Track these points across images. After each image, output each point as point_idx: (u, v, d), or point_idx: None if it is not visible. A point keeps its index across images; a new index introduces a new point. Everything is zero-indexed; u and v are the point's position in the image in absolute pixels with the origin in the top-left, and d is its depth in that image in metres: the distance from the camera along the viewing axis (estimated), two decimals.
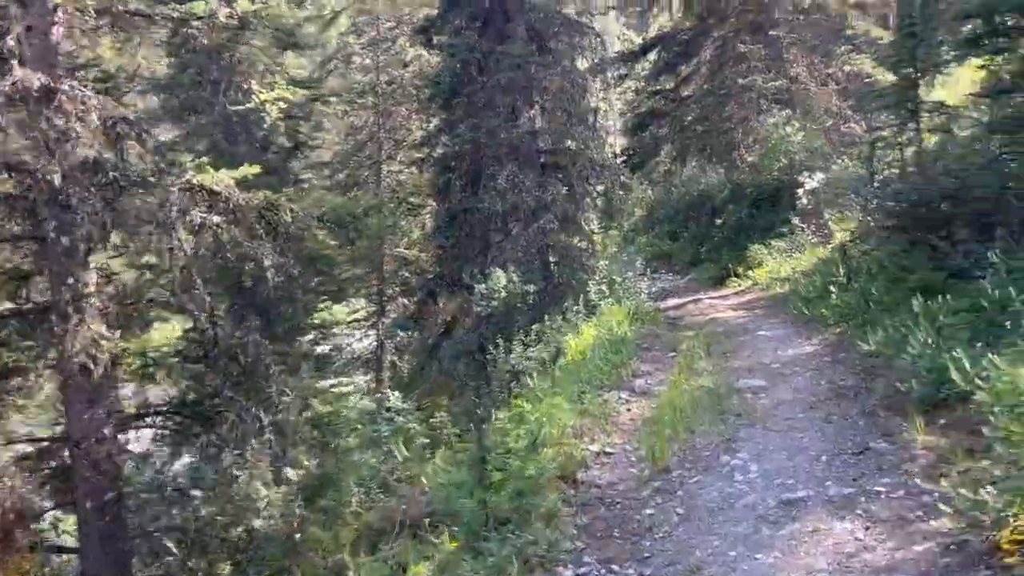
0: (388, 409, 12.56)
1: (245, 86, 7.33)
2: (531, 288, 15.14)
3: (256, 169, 7.73)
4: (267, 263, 7.45)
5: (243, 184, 7.76)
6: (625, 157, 21.89)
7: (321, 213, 8.59)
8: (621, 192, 40.11)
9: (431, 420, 11.92)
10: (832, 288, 11.12)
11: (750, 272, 19.63)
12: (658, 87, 21.58)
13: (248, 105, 7.83)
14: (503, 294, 14.87)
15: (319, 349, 24.80)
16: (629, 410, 9.08)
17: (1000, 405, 5.47)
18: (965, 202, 10.06)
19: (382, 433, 11.90)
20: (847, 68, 20.09)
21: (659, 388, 9.60)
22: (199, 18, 7.07)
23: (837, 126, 18.32)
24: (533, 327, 14.22)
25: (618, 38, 35.42)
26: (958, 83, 19.79)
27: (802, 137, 14.62)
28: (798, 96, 18.36)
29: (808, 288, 13.60)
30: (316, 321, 19.81)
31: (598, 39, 17.73)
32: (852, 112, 19.59)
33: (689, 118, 19.36)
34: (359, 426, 12.40)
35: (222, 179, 7.33)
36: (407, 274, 23.53)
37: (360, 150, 24.40)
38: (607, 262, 18.99)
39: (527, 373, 11.43)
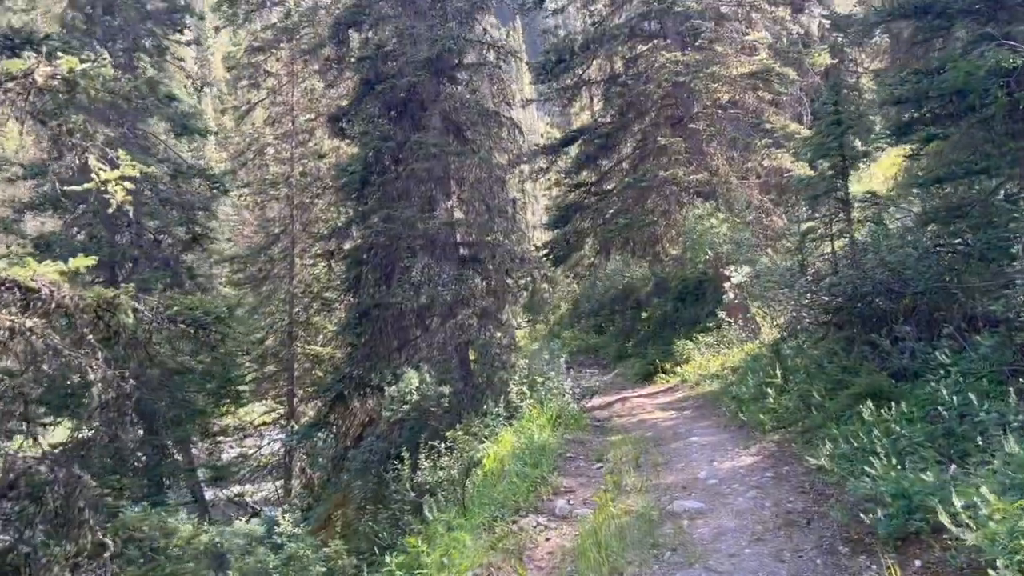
0: (279, 534, 10.84)
1: (78, 162, 6.01)
2: (446, 390, 13.76)
3: (90, 261, 6.32)
4: (93, 376, 5.95)
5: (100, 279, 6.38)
6: (548, 250, 20.96)
7: (174, 313, 7.11)
8: (544, 285, 39.44)
9: (327, 548, 10.27)
10: (768, 390, 10.06)
11: (677, 368, 18.64)
12: (580, 180, 20.94)
13: (87, 185, 6.43)
14: (415, 397, 13.44)
15: (227, 455, 22.78)
16: (548, 539, 7.68)
17: (1000, 552, 4.31)
18: (903, 296, 9.24)
19: (269, 564, 10.16)
20: (766, 163, 19.77)
21: (583, 511, 8.23)
22: (12, 78, 5.77)
23: (759, 219, 17.77)
24: (447, 434, 12.81)
25: (541, 136, 35.22)
26: (872, 177, 19.62)
27: (726, 229, 13.90)
28: (720, 189, 17.81)
29: (740, 388, 12.56)
30: (217, 427, 17.94)
31: (516, 130, 16.95)
32: (774, 205, 19.17)
33: (611, 211, 18.64)
34: (243, 555, 10.61)
35: (42, 272, 5.89)
36: (320, 374, 21.90)
37: (274, 243, 22.96)
38: (528, 360, 17.75)
39: (435, 491, 9.96)
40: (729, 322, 17.94)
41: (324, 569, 10.06)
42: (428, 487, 10.25)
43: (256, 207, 24.43)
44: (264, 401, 23.26)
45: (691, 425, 12.49)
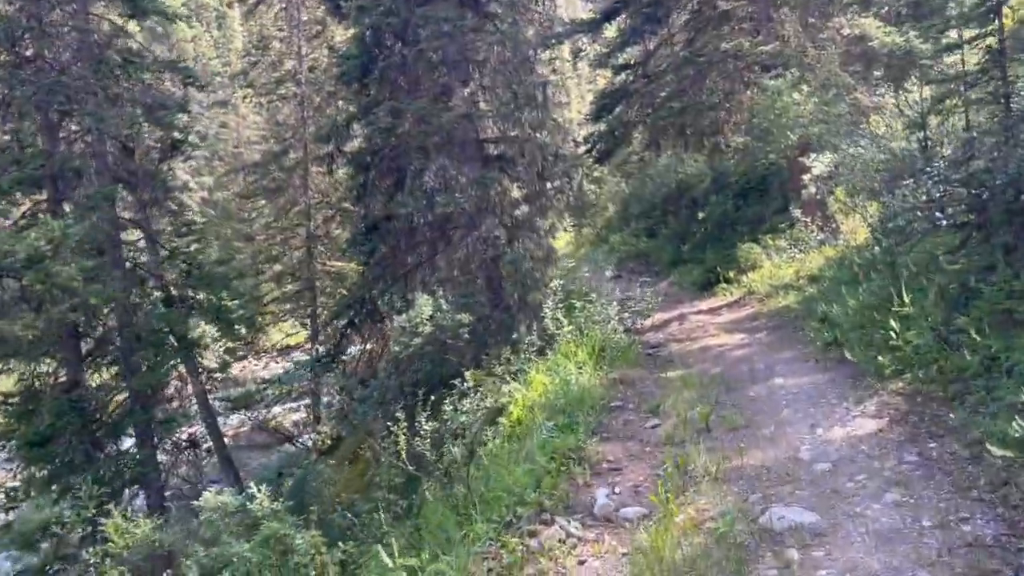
0: (246, 510, 8.46)
1: None
2: (466, 318, 11.07)
3: None
4: None
5: None
6: (590, 146, 17.75)
7: None
8: (588, 186, 36.23)
9: (307, 532, 7.85)
10: (892, 323, 7.03)
11: (743, 277, 15.63)
12: (625, 61, 17.49)
13: None
14: (427, 328, 10.79)
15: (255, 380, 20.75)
16: (582, 562, 5.03)
17: None
18: None
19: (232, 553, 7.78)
20: (845, 31, 16.07)
21: (632, 510, 5.54)
22: None
23: (842, 96, 14.29)
24: (467, 373, 10.21)
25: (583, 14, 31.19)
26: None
27: (813, 105, 10.59)
28: (793, 62, 14.29)
29: (831, 307, 9.58)
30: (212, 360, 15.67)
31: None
32: (858, 81, 15.55)
33: (662, 95, 15.30)
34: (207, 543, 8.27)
35: None
36: (344, 291, 19.41)
37: (287, 150, 20.14)
38: (568, 274, 14.91)
39: (433, 473, 7.43)
40: (805, 222, 14.77)
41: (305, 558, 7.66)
42: (429, 457, 7.70)
43: (265, 110, 21.59)
44: (289, 321, 21.00)
45: (771, 357, 9.61)
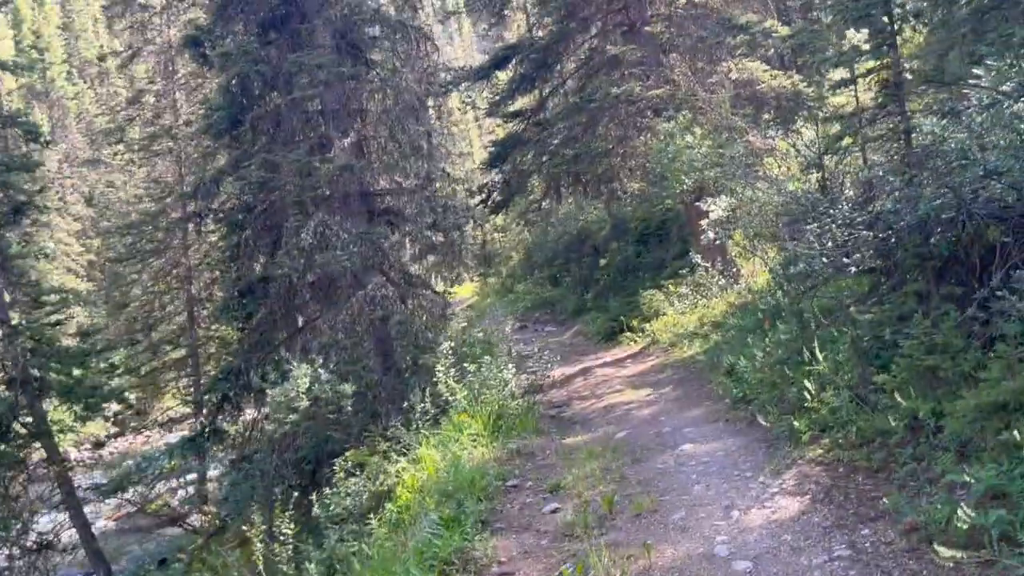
0: None
1: None
2: (348, 388, 9.92)
3: None
4: None
5: None
6: (485, 195, 16.96)
7: None
8: (495, 235, 35.52)
9: None
10: (806, 383, 6.28)
11: (646, 325, 14.99)
12: (518, 108, 16.88)
13: None
14: (304, 402, 9.57)
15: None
16: None
17: None
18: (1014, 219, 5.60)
19: None
20: (733, 75, 15.90)
21: None
22: None
23: (734, 139, 13.96)
24: (348, 453, 9.06)
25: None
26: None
27: (707, 148, 10.03)
28: (685, 106, 13.91)
29: (737, 359, 8.90)
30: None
31: (429, 43, 12.83)
32: (748, 124, 15.30)
33: (555, 142, 14.70)
34: None
35: None
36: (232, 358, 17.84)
37: (163, 211, 18.58)
38: (461, 330, 13.91)
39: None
40: (706, 267, 14.28)
41: None
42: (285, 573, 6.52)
43: (137, 167, 20.03)
44: (172, 394, 19.20)
45: (678, 417, 8.82)
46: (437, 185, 12.30)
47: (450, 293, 15.51)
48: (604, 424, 9.46)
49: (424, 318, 12.38)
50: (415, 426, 9.39)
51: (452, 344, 10.88)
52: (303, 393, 9.47)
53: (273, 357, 11.88)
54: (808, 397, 6.26)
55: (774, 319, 9.56)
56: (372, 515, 8.26)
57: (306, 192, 11.56)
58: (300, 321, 12.28)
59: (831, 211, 6.86)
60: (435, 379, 10.04)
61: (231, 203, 12.38)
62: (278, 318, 11.96)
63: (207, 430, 12.33)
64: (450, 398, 9.56)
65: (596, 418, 9.95)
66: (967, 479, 4.09)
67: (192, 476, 18.29)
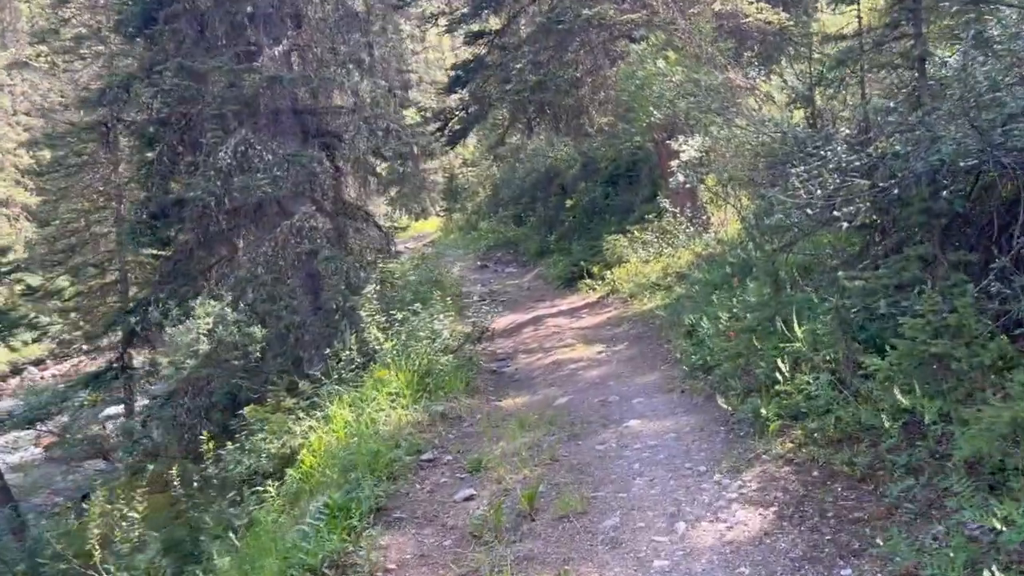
0: None
1: None
2: (257, 331, 8.61)
3: None
4: None
5: None
6: (441, 123, 15.40)
7: None
8: (464, 169, 33.83)
9: None
10: (777, 360, 5.06)
11: (607, 272, 13.77)
12: (480, 28, 15.22)
13: None
14: (203, 345, 8.25)
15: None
16: None
17: None
18: None
19: None
20: (716, 6, 14.39)
21: None
22: None
23: (713, 72, 12.52)
24: (246, 408, 7.83)
25: None
26: None
27: (681, 75, 8.62)
28: (662, 33, 12.40)
29: (698, 317, 7.73)
30: None
31: None
32: (729, 61, 13.86)
33: (518, 66, 13.15)
34: None
35: None
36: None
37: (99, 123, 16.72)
38: (414, 265, 12.62)
39: None
40: (674, 213, 13.03)
41: None
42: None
43: (62, 72, 18.09)
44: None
45: (628, 383, 7.66)
46: (379, 106, 10.79)
47: (398, 228, 14.14)
48: (546, 385, 8.30)
49: (360, 254, 11.05)
50: (337, 375, 8.19)
51: (388, 285, 9.61)
52: (203, 335, 8.14)
53: (188, 291, 10.51)
54: (779, 377, 5.07)
55: (744, 276, 8.41)
56: (272, 480, 7.14)
57: (228, 105, 10.05)
58: (219, 252, 10.87)
59: (823, 151, 5.58)
60: (362, 324, 8.81)
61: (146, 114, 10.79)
62: (194, 247, 10.55)
63: (114, 366, 10.97)
64: (377, 347, 8.33)
65: (539, 377, 8.79)
66: (995, 524, 2.93)
67: (118, 409, 17.06)
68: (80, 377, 11.94)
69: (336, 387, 7.89)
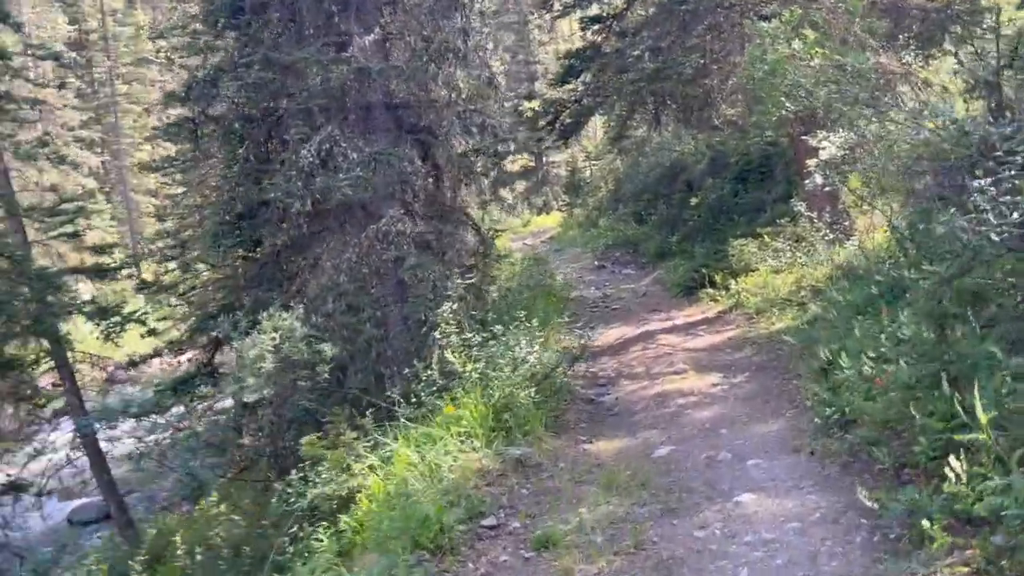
0: None
1: None
2: (328, 350, 7.79)
3: None
4: None
5: None
6: (551, 117, 14.23)
7: None
8: (585, 164, 32.55)
9: None
10: (951, 463, 3.57)
11: (732, 282, 12.22)
12: (597, 13, 13.89)
13: None
14: (267, 364, 7.51)
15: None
16: None
17: None
18: None
19: None
20: None
21: None
22: None
23: (864, 56, 10.67)
24: (303, 441, 7.04)
25: None
26: None
27: (820, 60, 7.01)
28: (804, 17, 10.69)
29: (840, 357, 6.20)
30: None
31: None
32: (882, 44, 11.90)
33: (636, 53, 11.78)
34: None
35: None
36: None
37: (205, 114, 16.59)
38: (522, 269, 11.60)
39: None
40: (810, 217, 11.32)
41: None
42: None
43: (177, 66, 18.09)
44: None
45: (745, 433, 6.28)
46: (475, 100, 9.77)
47: (499, 230, 13.14)
48: (647, 426, 7.04)
49: (452, 261, 10.10)
50: (416, 398, 7.27)
51: (483, 293, 8.64)
52: (267, 352, 7.41)
53: (274, 298, 9.90)
54: (949, 475, 3.63)
55: (893, 300, 6.81)
56: (325, 524, 6.30)
57: (314, 99, 9.32)
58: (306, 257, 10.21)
59: (1020, 156, 4.04)
60: (444, 342, 7.88)
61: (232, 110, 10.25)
62: (280, 251, 9.94)
63: (203, 371, 10.60)
64: (460, 370, 7.35)
65: (641, 412, 7.53)
66: None
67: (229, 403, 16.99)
68: (168, 381, 11.69)
69: (405, 418, 6.95)
